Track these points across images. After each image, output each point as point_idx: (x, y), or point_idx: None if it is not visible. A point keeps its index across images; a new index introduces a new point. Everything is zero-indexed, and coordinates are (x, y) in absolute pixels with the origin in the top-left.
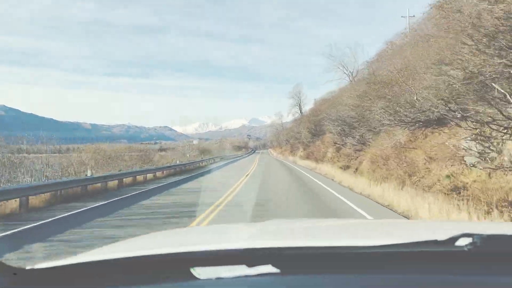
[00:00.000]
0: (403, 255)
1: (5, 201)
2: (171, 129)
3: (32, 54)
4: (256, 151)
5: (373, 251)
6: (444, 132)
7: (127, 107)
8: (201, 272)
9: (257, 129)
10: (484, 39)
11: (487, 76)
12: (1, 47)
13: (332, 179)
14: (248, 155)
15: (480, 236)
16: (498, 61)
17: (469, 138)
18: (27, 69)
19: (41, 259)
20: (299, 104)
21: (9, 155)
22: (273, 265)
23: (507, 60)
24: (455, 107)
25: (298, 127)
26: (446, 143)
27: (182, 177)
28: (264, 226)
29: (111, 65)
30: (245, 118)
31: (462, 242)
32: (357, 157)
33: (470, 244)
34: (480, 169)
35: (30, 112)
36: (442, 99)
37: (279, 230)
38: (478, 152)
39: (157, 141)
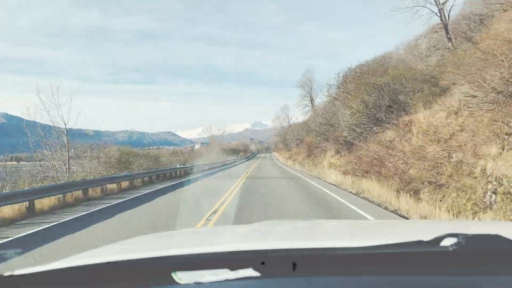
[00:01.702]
0: (387, 257)
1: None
2: (174, 134)
3: (34, 63)
4: (257, 155)
5: (357, 252)
6: None
7: (130, 113)
8: (182, 277)
9: (261, 133)
10: None
11: None
12: (3, 56)
13: None
14: (243, 162)
15: (465, 236)
16: None
17: None
18: (30, 77)
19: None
20: (310, 95)
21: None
22: (255, 268)
23: None
24: None
25: (329, 110)
26: None
27: None
28: (257, 226)
29: (114, 72)
30: (248, 122)
31: (447, 242)
32: None
33: (455, 244)
34: None
35: (32, 119)
36: None
37: (270, 231)
38: None
39: (160, 147)
